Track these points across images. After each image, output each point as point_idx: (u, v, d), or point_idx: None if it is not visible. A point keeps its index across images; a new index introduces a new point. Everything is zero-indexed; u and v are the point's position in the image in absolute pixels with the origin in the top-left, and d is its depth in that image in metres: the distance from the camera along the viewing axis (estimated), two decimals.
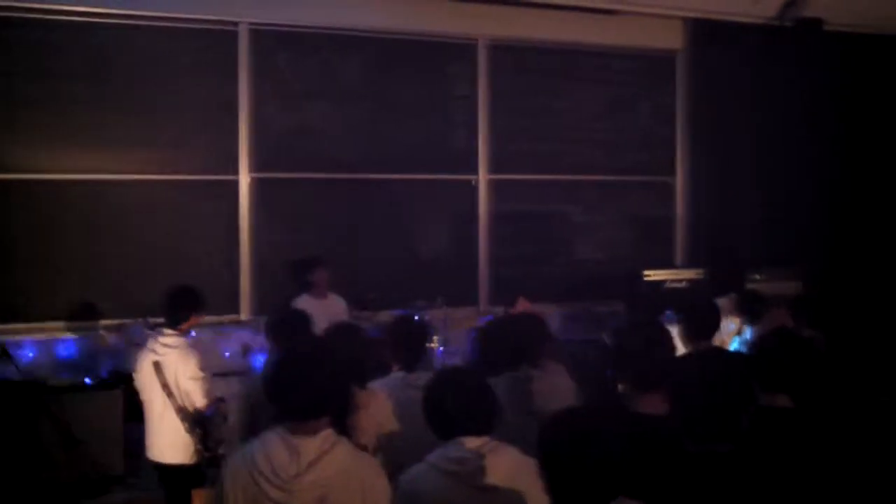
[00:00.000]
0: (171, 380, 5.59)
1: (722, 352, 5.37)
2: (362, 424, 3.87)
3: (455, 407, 3.29)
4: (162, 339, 5.68)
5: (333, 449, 3.06)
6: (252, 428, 4.40)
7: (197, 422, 5.62)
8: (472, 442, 3.23)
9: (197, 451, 5.65)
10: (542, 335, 4.63)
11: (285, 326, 5.10)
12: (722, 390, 4.30)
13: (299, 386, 3.10)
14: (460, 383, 3.37)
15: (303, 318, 5.25)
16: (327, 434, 3.09)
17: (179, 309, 5.75)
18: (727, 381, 4.33)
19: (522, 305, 7.21)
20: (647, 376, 3.53)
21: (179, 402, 5.60)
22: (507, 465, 3.22)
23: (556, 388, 4.25)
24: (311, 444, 3.04)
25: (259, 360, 7.75)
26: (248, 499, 3.05)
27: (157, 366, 5.61)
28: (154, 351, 5.67)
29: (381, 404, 4.05)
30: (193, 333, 7.24)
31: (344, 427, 3.57)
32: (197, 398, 5.61)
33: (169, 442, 5.69)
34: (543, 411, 4.01)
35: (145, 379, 5.71)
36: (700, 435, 3.40)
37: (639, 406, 3.49)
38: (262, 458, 3.04)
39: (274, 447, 3.05)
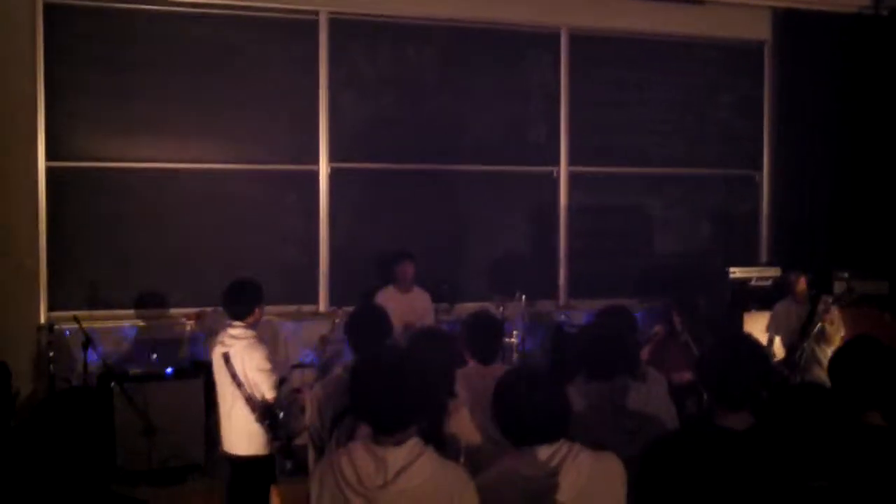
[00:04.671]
0: (240, 370, 5.58)
1: None
2: (452, 433, 3.80)
3: (525, 412, 3.19)
4: (231, 331, 5.68)
5: (420, 459, 3.00)
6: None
7: (265, 413, 5.60)
8: (543, 452, 3.16)
9: (268, 442, 5.65)
10: (637, 339, 4.41)
11: (363, 328, 4.77)
12: None
13: (382, 400, 3.05)
14: (531, 385, 3.26)
15: (380, 320, 4.82)
16: (413, 443, 3.03)
17: (241, 303, 5.71)
18: None
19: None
20: (732, 396, 3.31)
21: (248, 391, 5.58)
22: (581, 475, 3.14)
23: (653, 402, 4.06)
24: (398, 454, 2.99)
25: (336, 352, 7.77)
26: None
27: (226, 357, 5.62)
28: (223, 343, 5.68)
29: (464, 414, 3.98)
30: (276, 324, 7.35)
31: (440, 437, 3.51)
32: (265, 390, 5.57)
33: (240, 433, 5.68)
34: (636, 428, 3.88)
35: (217, 370, 5.74)
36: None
37: (723, 421, 3.27)
38: (347, 467, 3.00)
39: (359, 456, 3.01)
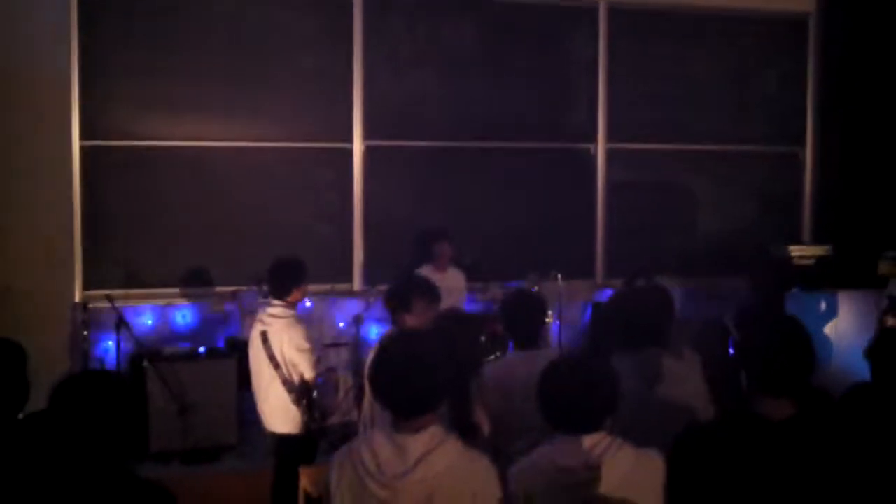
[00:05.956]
0: (277, 351, 5.56)
1: None
2: (480, 418, 3.73)
3: (570, 402, 3.11)
4: (270, 310, 5.66)
5: (440, 447, 2.94)
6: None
7: (303, 393, 5.58)
8: (586, 441, 3.07)
9: (304, 423, 5.62)
10: (670, 314, 4.26)
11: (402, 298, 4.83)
12: None
13: (400, 384, 2.98)
14: (578, 375, 3.16)
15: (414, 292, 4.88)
16: (434, 431, 2.97)
17: (283, 281, 5.68)
18: None
19: None
20: (775, 382, 3.09)
21: (285, 373, 5.56)
22: (622, 469, 3.05)
23: (688, 384, 3.96)
24: (418, 442, 2.93)
25: (371, 331, 7.74)
26: (354, 497, 2.96)
27: (265, 336, 5.59)
28: (262, 321, 5.66)
29: (489, 393, 3.91)
30: (310, 304, 7.32)
31: (468, 424, 3.44)
32: (304, 369, 5.57)
33: (277, 412, 5.66)
34: (668, 399, 3.79)
35: (254, 349, 5.72)
36: None
37: (760, 407, 3.06)
38: (367, 456, 2.95)
39: (379, 445, 2.96)
